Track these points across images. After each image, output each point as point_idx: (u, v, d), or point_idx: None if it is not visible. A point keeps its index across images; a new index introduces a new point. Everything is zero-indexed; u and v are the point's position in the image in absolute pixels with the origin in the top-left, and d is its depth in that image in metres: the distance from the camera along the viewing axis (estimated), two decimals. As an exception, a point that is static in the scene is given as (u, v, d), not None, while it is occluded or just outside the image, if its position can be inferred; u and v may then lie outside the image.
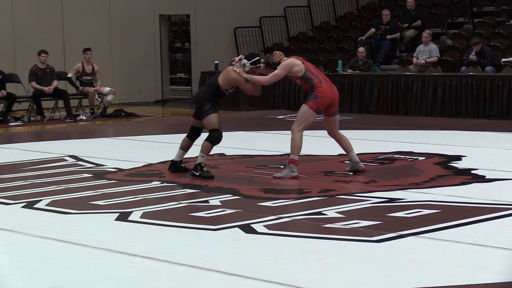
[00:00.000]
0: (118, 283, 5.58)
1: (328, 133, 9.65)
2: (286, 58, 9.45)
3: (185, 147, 9.67)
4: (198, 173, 9.33)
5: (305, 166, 10.04)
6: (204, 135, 9.57)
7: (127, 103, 19.96)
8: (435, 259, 5.99)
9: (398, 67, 18.78)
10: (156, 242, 6.64)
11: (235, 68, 9.41)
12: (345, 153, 9.66)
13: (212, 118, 9.34)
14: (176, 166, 9.71)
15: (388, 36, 19.94)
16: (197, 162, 9.41)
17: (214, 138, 9.36)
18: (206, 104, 9.36)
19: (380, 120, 16.07)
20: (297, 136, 9.28)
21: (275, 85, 17.18)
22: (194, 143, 9.71)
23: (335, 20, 23.60)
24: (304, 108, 9.35)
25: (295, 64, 9.37)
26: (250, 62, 9.37)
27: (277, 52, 9.67)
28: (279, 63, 9.40)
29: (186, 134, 9.69)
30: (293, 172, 9.23)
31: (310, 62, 20.90)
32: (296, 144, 9.25)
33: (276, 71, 9.37)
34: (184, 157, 9.75)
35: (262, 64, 9.49)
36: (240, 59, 9.51)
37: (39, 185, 9.18)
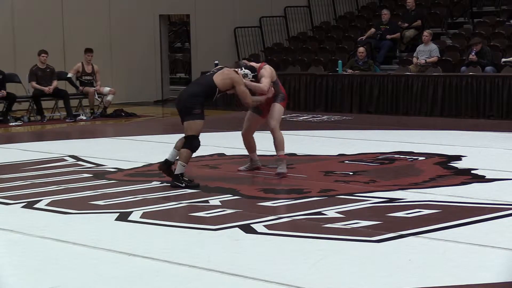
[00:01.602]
0: (118, 283, 5.58)
1: (245, 131, 9.77)
2: (257, 65, 9.60)
3: (179, 147, 9.07)
4: (183, 184, 8.81)
5: (305, 166, 10.06)
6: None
7: (127, 103, 19.94)
8: (435, 259, 5.98)
9: (398, 67, 18.75)
10: (156, 242, 6.64)
11: (237, 70, 9.36)
12: (249, 152, 9.80)
13: (198, 125, 8.91)
14: (169, 166, 9.09)
15: (388, 36, 19.92)
16: (177, 172, 8.86)
17: (195, 146, 8.94)
18: (197, 107, 8.92)
19: (380, 120, 16.05)
20: (280, 134, 9.57)
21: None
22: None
23: (335, 20, 23.58)
24: (278, 106, 9.62)
25: (272, 69, 9.66)
26: (252, 75, 9.44)
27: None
28: (250, 67, 9.55)
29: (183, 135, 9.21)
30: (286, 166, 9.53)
31: (310, 62, 20.91)
32: (282, 141, 9.53)
33: (267, 79, 9.51)
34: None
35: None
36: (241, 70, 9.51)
37: (39, 185, 9.18)
